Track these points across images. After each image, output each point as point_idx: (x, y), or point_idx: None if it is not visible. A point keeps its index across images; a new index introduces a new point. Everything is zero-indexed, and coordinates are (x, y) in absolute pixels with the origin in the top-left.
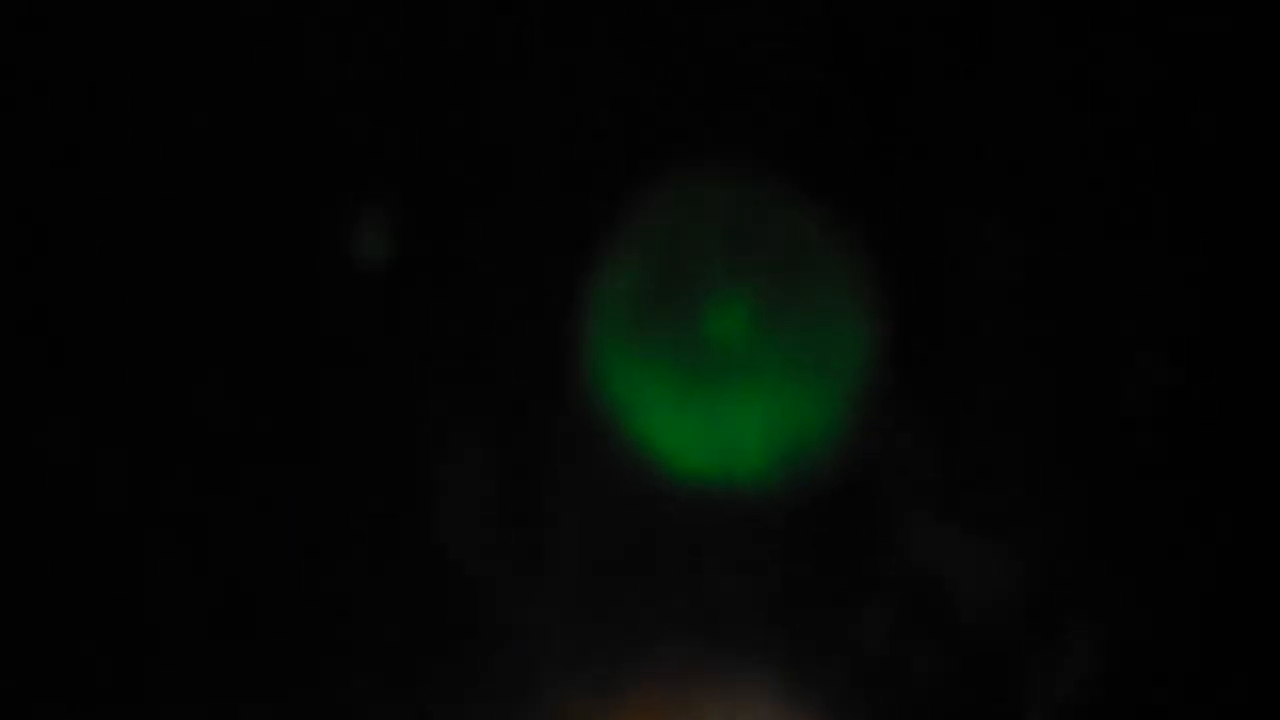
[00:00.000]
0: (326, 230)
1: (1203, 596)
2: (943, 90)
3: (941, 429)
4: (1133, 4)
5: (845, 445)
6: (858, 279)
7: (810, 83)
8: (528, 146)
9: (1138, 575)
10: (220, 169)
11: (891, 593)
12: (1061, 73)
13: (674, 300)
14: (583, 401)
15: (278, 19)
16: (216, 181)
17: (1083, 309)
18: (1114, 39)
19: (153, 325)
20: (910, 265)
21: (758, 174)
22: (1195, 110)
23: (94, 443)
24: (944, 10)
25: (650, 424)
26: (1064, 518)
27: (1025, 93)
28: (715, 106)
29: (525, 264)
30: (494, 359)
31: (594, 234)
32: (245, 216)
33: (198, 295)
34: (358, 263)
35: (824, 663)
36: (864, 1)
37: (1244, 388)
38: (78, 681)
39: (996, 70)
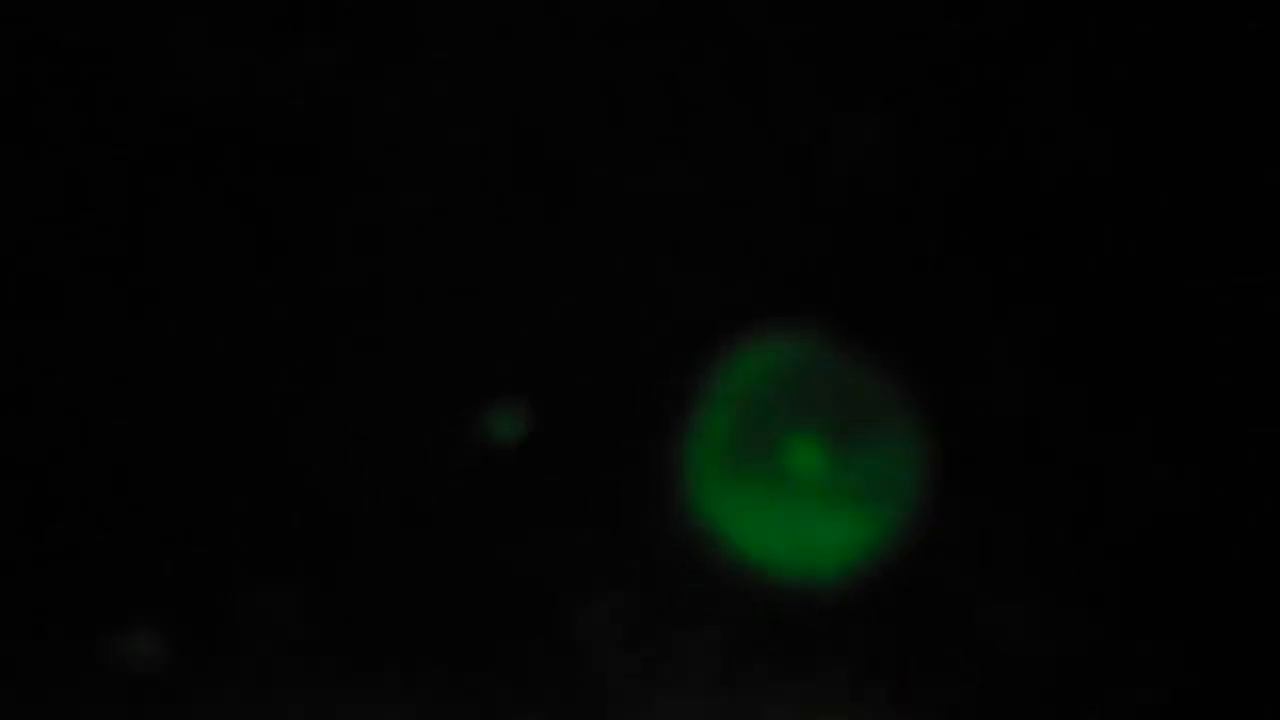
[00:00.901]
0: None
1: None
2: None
3: (976, 525)
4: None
5: (901, 543)
6: (904, 413)
7: (861, 261)
8: (629, 340)
9: (1172, 636)
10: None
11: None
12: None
13: (759, 441)
14: (691, 525)
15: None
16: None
17: (1083, 428)
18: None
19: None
20: (943, 400)
21: (822, 337)
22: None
23: None
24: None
25: (746, 539)
26: (1084, 588)
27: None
28: (783, 290)
29: (634, 429)
30: (620, 508)
31: (692, 393)
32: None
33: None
34: (487, 444)
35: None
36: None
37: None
38: None
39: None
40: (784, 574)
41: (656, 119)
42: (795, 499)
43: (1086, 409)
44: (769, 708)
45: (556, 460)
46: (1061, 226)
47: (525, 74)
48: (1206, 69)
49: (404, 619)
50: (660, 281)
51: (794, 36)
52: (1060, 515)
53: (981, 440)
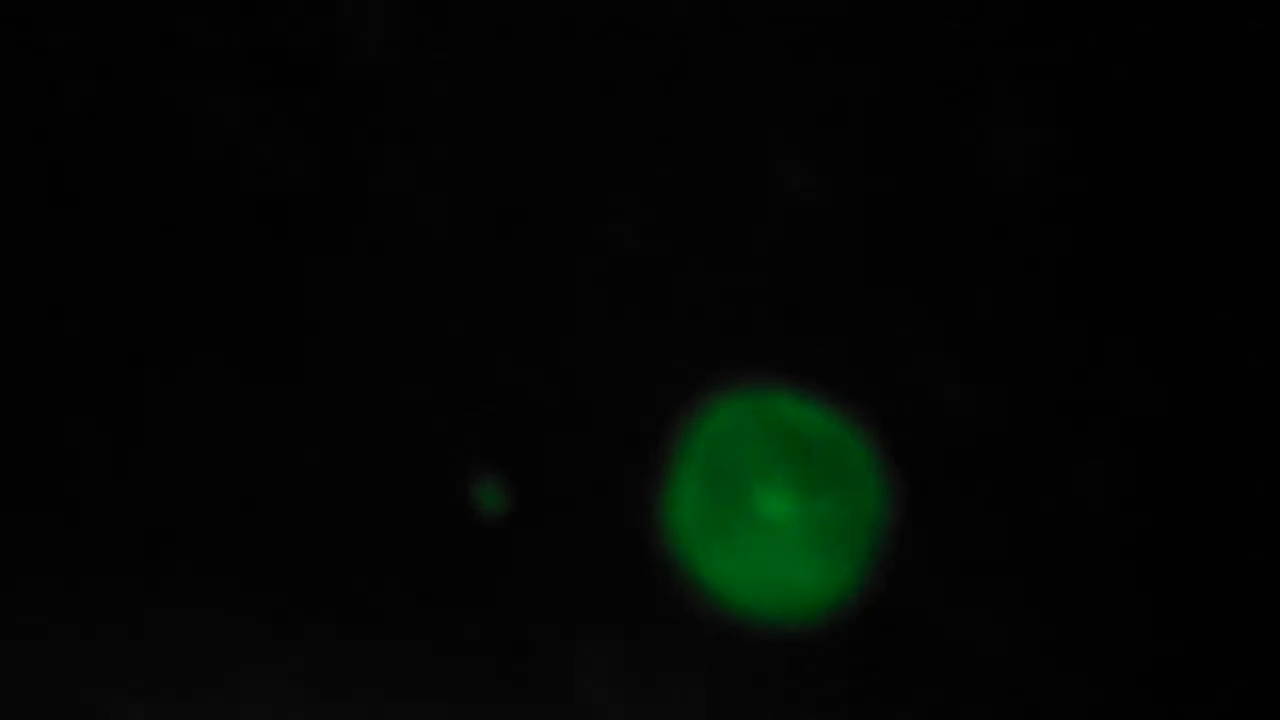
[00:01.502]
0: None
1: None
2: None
3: (939, 556)
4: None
5: (870, 580)
6: (866, 457)
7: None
8: (608, 389)
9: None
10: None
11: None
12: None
13: (731, 490)
14: (669, 569)
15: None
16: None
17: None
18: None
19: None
20: (902, 441)
21: (788, 390)
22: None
23: None
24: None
25: (724, 585)
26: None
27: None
28: (750, 344)
29: (610, 479)
30: (604, 562)
31: (666, 444)
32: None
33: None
34: (472, 511)
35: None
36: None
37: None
38: None
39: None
40: (762, 616)
41: (653, 122)
42: (769, 543)
43: (1048, 427)
44: None
45: (538, 508)
46: (1021, 247)
47: (525, 74)
48: (1206, 69)
49: (389, 668)
50: (624, 328)
51: (794, 37)
52: (1028, 532)
53: (944, 467)
